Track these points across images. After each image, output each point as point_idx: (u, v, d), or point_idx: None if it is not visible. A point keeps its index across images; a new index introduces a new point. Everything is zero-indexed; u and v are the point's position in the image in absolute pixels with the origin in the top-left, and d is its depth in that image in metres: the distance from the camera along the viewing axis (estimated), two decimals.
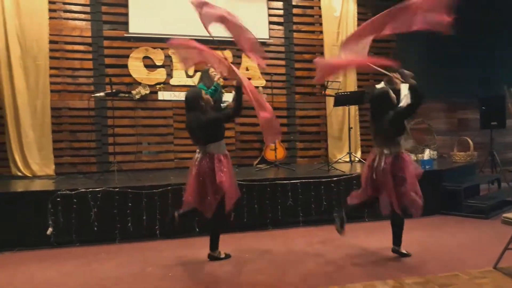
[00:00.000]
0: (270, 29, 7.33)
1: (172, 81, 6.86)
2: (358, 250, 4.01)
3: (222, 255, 3.82)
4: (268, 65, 7.27)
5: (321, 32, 7.57)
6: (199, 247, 4.03)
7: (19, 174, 6.08)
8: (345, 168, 6.14)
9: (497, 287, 3.04)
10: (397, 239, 3.77)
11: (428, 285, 3.10)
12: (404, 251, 3.78)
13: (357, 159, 7.20)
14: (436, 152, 7.38)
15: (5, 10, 6.03)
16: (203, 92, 3.79)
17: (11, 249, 4.20)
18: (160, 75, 6.81)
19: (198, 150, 3.74)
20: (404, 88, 7.54)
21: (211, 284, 3.27)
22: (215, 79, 5.55)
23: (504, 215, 3.41)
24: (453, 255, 3.81)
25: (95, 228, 4.39)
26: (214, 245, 3.79)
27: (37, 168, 6.17)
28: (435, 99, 8.02)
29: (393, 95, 3.73)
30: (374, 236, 4.44)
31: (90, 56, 6.58)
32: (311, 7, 7.62)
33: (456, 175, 6.07)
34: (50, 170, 6.23)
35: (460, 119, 8.28)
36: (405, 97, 7.47)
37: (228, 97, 5.96)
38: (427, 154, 6.69)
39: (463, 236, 4.46)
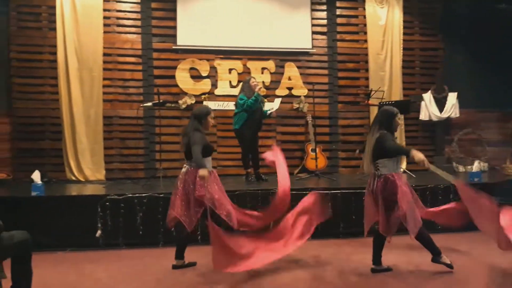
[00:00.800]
0: (313, 38, 7.36)
1: (217, 91, 7.05)
2: (400, 264, 3.93)
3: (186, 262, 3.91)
4: (310, 74, 7.34)
5: (365, 41, 7.50)
6: None
7: (73, 178, 6.48)
8: None
9: None
10: (431, 250, 3.67)
11: None
12: (446, 261, 3.67)
13: (402, 169, 7.03)
14: (487, 164, 7.07)
15: (65, 26, 6.49)
16: (212, 113, 3.91)
17: (63, 249, 4.50)
18: (205, 85, 7.03)
19: (185, 165, 3.86)
20: (452, 98, 7.36)
21: None
22: (256, 89, 5.68)
23: None
24: (499, 273, 3.65)
25: (141, 232, 4.60)
26: (178, 254, 3.90)
27: (89, 173, 6.55)
28: (487, 108, 7.69)
29: (398, 121, 3.70)
30: (416, 250, 4.33)
31: (140, 67, 6.91)
32: (356, 16, 7.56)
33: (508, 189, 5.78)
34: (101, 175, 6.59)
35: None
36: (453, 107, 7.28)
37: (268, 106, 6.06)
38: (476, 166, 6.44)
39: None
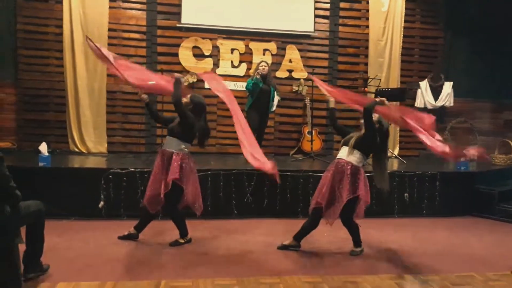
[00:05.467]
0: (315, 22, 7.44)
1: (218, 71, 7.18)
2: (380, 245, 4.20)
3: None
4: (311, 57, 7.47)
5: (367, 26, 7.60)
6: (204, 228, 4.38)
7: (76, 150, 6.70)
8: None
9: None
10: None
11: (442, 283, 3.28)
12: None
13: (394, 155, 7.27)
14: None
15: (71, 0, 6.58)
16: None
17: (68, 217, 4.76)
18: (207, 64, 7.16)
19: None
20: (447, 87, 7.52)
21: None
22: (255, 74, 5.89)
23: None
24: (475, 257, 3.93)
25: (141, 205, 4.83)
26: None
27: (92, 145, 6.77)
28: (481, 99, 7.88)
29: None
30: (399, 232, 4.61)
31: (144, 44, 7.03)
32: (359, 1, 7.62)
33: (493, 177, 6.04)
34: (103, 148, 6.81)
35: (507, 120, 8.08)
36: (448, 96, 7.46)
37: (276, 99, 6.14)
38: None
39: (490, 239, 4.53)
